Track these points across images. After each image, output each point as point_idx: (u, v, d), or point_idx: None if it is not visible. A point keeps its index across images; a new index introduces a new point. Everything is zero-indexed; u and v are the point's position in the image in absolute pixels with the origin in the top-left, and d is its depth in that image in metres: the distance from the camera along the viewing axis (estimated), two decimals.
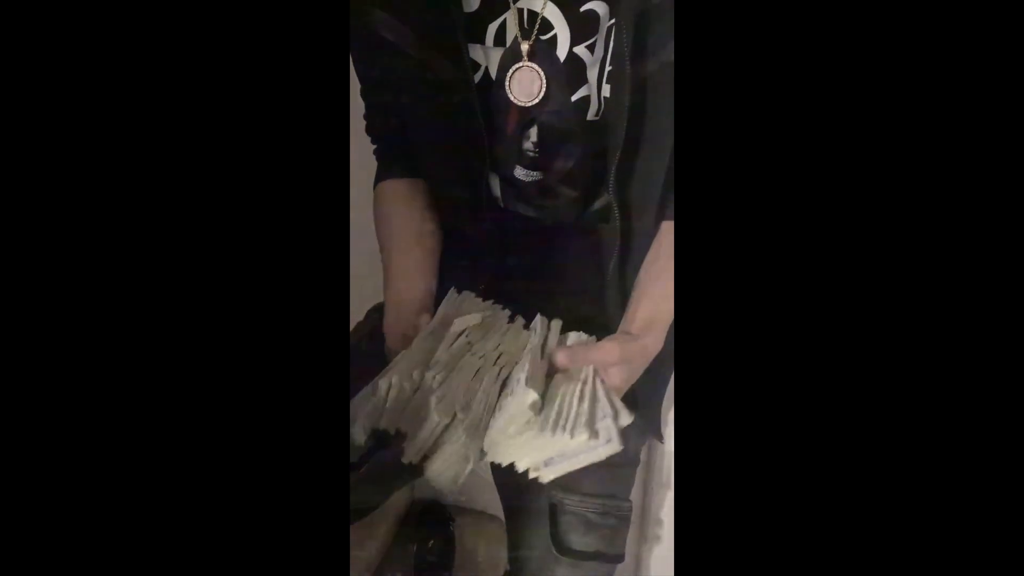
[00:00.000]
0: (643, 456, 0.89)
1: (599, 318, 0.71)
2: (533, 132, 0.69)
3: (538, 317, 0.65)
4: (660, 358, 0.71)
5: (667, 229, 0.69)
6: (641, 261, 0.70)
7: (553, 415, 0.52)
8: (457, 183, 0.74)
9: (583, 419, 0.51)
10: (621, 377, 0.59)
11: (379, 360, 0.66)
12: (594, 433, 0.50)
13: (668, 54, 0.60)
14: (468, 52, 0.64)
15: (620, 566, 0.71)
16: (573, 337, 0.65)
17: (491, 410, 0.54)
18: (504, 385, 0.57)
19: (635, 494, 0.85)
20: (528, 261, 0.79)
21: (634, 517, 0.88)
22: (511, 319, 0.68)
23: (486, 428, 0.52)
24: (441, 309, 0.66)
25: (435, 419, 0.51)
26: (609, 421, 0.52)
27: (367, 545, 0.57)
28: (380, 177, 0.80)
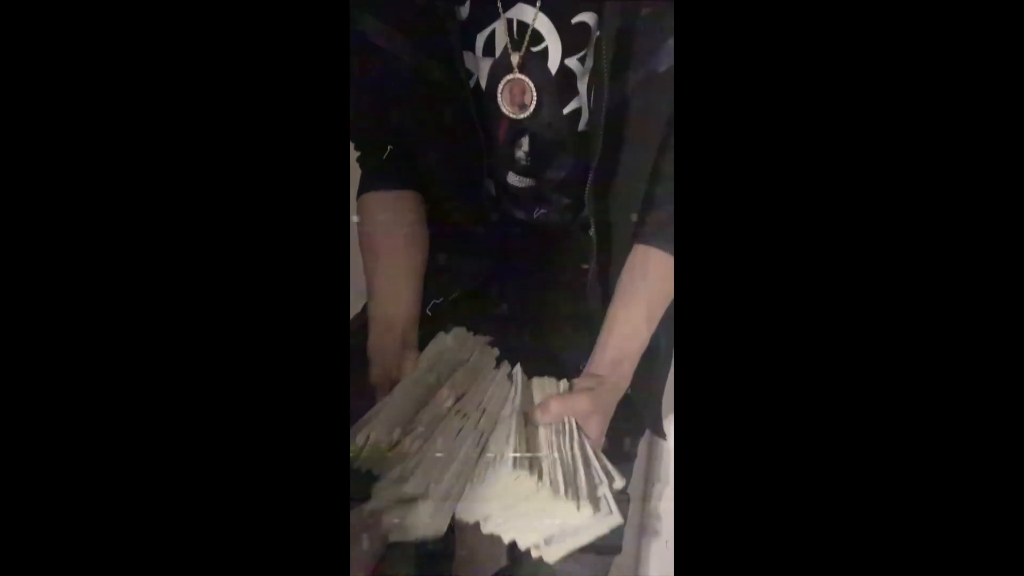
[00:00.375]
0: (644, 450, 0.90)
1: (584, 319, 0.72)
2: (525, 142, 0.69)
3: (517, 368, 0.64)
4: (660, 354, 0.72)
5: (641, 253, 0.68)
6: (620, 269, 0.70)
7: (553, 480, 0.50)
8: (455, 185, 0.74)
9: (583, 488, 0.50)
10: (598, 428, 0.60)
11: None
12: (596, 504, 0.50)
13: (655, 65, 0.60)
14: (463, 58, 0.64)
15: (619, 560, 0.72)
16: (537, 384, 0.63)
17: (467, 478, 0.52)
18: (484, 450, 0.55)
19: (635, 488, 0.87)
20: (524, 262, 0.79)
21: (634, 510, 0.89)
22: (497, 364, 0.65)
23: (459, 496, 0.52)
24: (428, 352, 0.63)
25: (407, 490, 0.50)
26: (606, 488, 0.51)
27: (365, 538, 0.57)
28: (365, 187, 0.77)
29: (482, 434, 0.56)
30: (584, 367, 0.67)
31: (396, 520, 0.51)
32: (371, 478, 0.53)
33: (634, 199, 0.67)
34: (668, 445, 0.88)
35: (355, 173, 0.76)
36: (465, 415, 0.57)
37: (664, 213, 0.68)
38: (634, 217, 0.68)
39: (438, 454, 0.52)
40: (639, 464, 0.81)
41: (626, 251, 0.70)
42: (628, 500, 0.72)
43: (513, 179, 0.74)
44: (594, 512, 0.49)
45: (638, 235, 0.69)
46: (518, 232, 0.79)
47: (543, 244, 0.80)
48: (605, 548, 0.68)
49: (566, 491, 0.49)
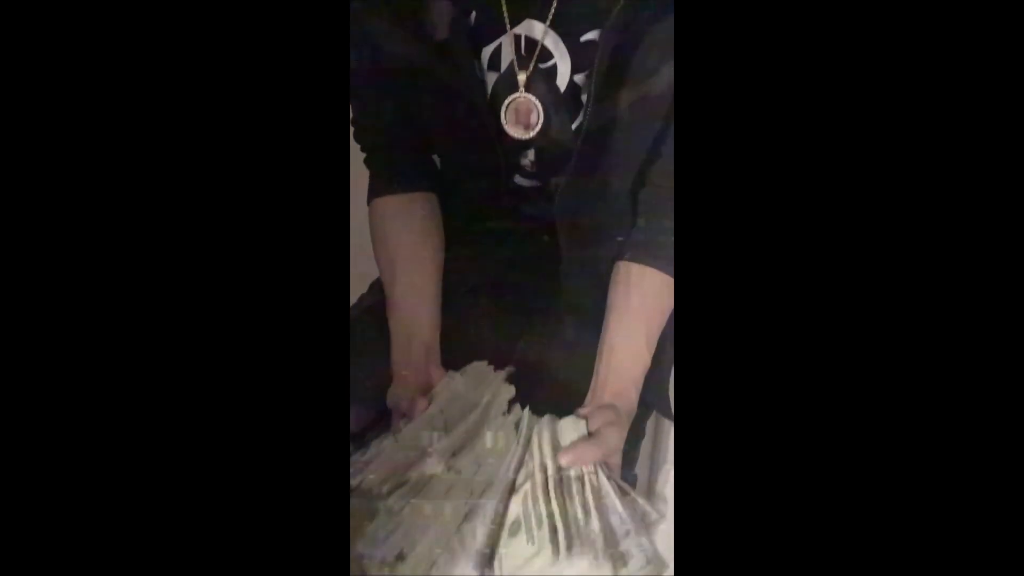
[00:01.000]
0: (649, 431, 0.92)
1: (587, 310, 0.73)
2: (531, 153, 0.69)
3: (525, 411, 0.61)
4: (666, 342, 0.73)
5: (636, 271, 0.67)
6: (581, 278, 0.69)
7: (553, 542, 0.48)
8: (467, 182, 0.75)
9: (599, 544, 0.48)
10: (618, 459, 0.59)
11: (381, 348, 0.68)
12: (622, 560, 0.48)
13: (649, 88, 0.59)
14: (473, 65, 0.63)
15: None
16: (545, 428, 0.58)
17: (446, 543, 0.51)
18: (466, 518, 0.52)
19: (642, 471, 0.88)
20: (533, 258, 0.80)
21: (639, 491, 0.91)
22: (508, 408, 0.62)
23: (435, 560, 0.50)
24: (438, 395, 0.62)
25: (382, 553, 0.49)
26: (633, 540, 0.49)
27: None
28: (375, 192, 0.75)
29: (471, 493, 0.53)
30: (589, 393, 0.66)
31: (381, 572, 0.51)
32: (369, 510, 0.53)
33: (609, 214, 0.67)
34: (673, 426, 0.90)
35: (358, 173, 0.75)
36: (459, 471, 0.55)
37: (654, 230, 0.67)
38: (599, 225, 0.69)
39: (420, 517, 0.51)
40: (644, 446, 0.81)
41: (596, 260, 0.69)
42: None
43: (520, 180, 0.74)
44: (614, 569, 0.47)
45: (624, 253, 0.69)
46: (528, 229, 0.79)
47: (551, 241, 0.79)
48: None
49: (569, 548, 0.47)
